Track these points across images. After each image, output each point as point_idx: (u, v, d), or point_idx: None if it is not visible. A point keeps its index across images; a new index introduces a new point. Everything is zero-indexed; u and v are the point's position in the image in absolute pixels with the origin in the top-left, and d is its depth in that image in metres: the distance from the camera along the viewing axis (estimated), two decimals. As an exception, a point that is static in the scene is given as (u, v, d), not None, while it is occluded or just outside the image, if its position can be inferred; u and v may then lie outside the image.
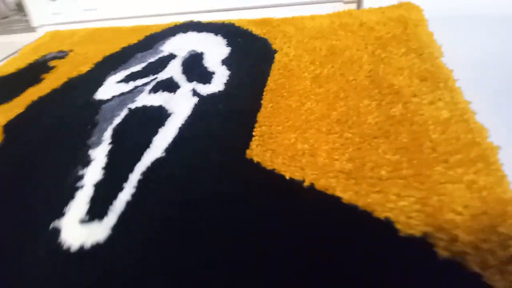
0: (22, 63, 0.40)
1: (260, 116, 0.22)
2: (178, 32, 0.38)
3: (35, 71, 0.37)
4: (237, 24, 0.37)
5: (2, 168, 0.23)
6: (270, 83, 0.26)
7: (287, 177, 0.17)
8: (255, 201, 0.17)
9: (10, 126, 0.27)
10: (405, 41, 0.27)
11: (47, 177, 0.21)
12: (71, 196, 0.18)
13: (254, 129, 0.21)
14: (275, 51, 0.30)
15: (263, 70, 0.28)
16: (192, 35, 0.37)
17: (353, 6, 0.36)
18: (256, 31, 0.35)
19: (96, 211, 0.17)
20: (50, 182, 0.20)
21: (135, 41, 0.39)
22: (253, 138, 0.20)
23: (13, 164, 0.23)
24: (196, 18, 0.41)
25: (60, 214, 0.17)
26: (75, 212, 0.17)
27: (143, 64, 0.32)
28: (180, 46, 0.35)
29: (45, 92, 0.31)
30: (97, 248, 0.15)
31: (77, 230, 0.16)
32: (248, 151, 0.19)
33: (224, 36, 0.35)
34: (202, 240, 0.15)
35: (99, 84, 0.30)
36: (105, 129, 0.24)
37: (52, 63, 0.37)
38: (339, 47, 0.28)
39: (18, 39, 0.62)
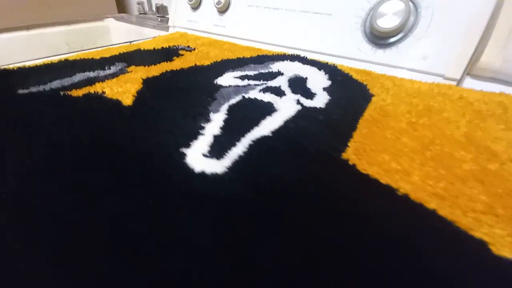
0: (157, 46, 0.50)
1: (355, 135, 0.25)
2: (286, 59, 0.44)
3: (168, 53, 0.45)
4: (339, 67, 0.42)
5: (146, 101, 0.29)
6: (366, 115, 0.29)
7: (383, 182, 0.19)
8: (345, 192, 0.18)
9: (148, 80, 0.34)
10: (505, 121, 0.28)
11: (175, 115, 0.26)
12: (194, 137, 0.23)
13: (349, 142, 0.24)
14: (372, 95, 0.34)
15: (361, 104, 0.31)
16: (297, 64, 0.43)
17: (452, 83, 0.39)
18: (356, 76, 0.39)
19: (215, 153, 0.21)
20: (177, 119, 0.25)
21: (248, 56, 0.46)
22: (348, 148, 0.23)
23: (149, 104, 0.28)
24: (302, 54, 0.48)
25: (187, 144, 0.21)
26: (198, 148, 0.21)
27: (255, 72, 0.38)
28: (286, 68, 0.41)
29: (176, 68, 0.39)
30: (215, 176, 0.18)
31: (200, 159, 0.20)
32: (343, 154, 0.22)
33: (326, 72, 0.40)
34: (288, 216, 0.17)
35: (219, 75, 0.37)
36: (223, 104, 0.29)
37: (181, 52, 0.46)
38: (436, 108, 0.31)
39: (148, 32, 0.77)
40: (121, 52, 0.45)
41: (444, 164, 0.21)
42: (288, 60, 0.44)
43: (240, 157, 0.21)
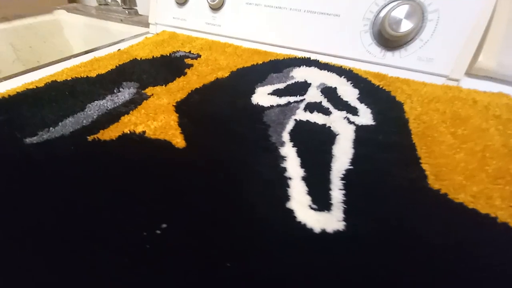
0: (154, 53, 0.44)
1: (422, 156, 0.26)
2: (301, 64, 0.43)
3: (175, 64, 0.40)
4: (355, 72, 0.43)
5: (197, 138, 0.25)
6: (412, 128, 0.30)
7: (481, 212, 0.20)
8: (444, 230, 0.20)
9: (181, 108, 0.30)
10: (520, 124, 0.32)
11: (245, 156, 0.23)
12: (286, 184, 0.21)
13: (421, 164, 0.25)
14: (401, 103, 0.36)
15: (401, 117, 0.32)
16: (316, 71, 0.42)
17: (454, 83, 0.42)
18: (374, 81, 0.41)
19: (319, 203, 0.20)
20: (251, 163, 0.23)
21: (260, 62, 0.44)
22: (426, 172, 0.24)
23: (204, 142, 0.25)
24: (311, 56, 0.47)
25: (285, 196, 0.20)
26: (300, 199, 0.20)
27: (284, 84, 0.37)
28: (309, 76, 0.40)
29: (195, 85, 0.35)
30: (338, 234, 0.18)
31: (311, 214, 0.19)
32: (429, 181, 0.23)
33: (348, 79, 0.40)
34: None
35: (251, 91, 0.34)
36: (280, 132, 0.27)
37: (188, 61, 0.42)
38: (463, 114, 0.34)
39: (115, 27, 0.67)
40: (117, 65, 0.38)
41: (508, 179, 0.24)
42: (304, 66, 0.43)
43: (345, 202, 0.20)
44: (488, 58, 0.41)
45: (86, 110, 0.28)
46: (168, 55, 0.43)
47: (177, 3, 0.53)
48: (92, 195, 0.19)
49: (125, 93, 0.32)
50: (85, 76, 0.35)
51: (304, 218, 0.19)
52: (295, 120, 0.29)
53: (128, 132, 0.25)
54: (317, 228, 0.18)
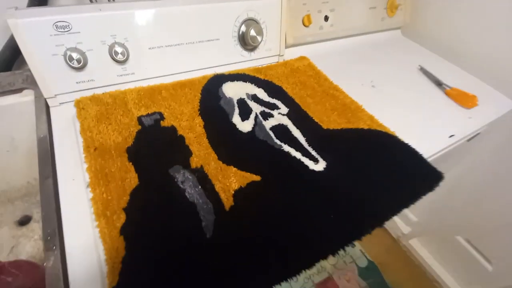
0: (123, 133, 0.49)
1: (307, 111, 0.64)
2: (220, 83, 0.64)
3: (156, 136, 0.51)
4: (247, 73, 0.69)
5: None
6: (294, 98, 0.67)
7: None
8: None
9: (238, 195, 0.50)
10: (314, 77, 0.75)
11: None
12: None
13: (313, 118, 0.63)
14: (280, 86, 0.69)
15: (287, 96, 0.67)
16: (230, 84, 0.65)
17: (282, 58, 0.79)
18: (259, 76, 0.70)
19: (315, 160, 0.54)
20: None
21: (190, 92, 0.60)
22: (315, 119, 0.63)
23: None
24: (212, 71, 0.67)
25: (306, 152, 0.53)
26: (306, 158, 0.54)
27: (236, 108, 0.60)
28: (234, 89, 0.63)
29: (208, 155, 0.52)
30: (324, 170, 0.54)
31: (311, 163, 0.54)
32: (321, 124, 0.62)
33: (251, 82, 0.67)
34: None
35: (234, 125, 0.56)
36: (272, 138, 0.56)
37: (164, 124, 0.53)
38: (302, 80, 0.72)
39: None
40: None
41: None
42: (223, 82, 0.64)
43: (319, 154, 0.56)
44: (289, 37, 0.80)
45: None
46: (140, 129, 0.51)
47: (75, 69, 0.51)
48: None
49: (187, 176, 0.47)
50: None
51: (311, 166, 0.53)
52: (270, 128, 0.58)
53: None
54: (311, 166, 0.54)
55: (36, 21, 0.45)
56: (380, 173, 0.53)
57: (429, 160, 0.63)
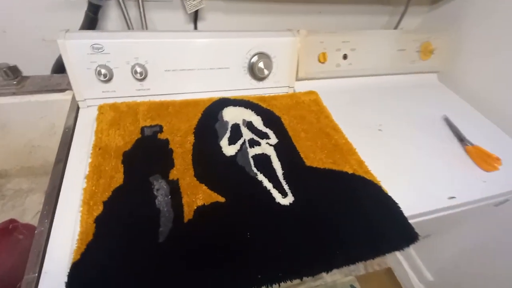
0: (126, 138, 0.59)
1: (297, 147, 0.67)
2: (222, 107, 0.72)
3: (150, 146, 0.60)
4: (251, 100, 0.75)
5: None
6: (289, 131, 0.70)
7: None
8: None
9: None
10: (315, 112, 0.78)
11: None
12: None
13: (300, 153, 0.66)
14: (279, 117, 0.73)
15: (282, 128, 0.71)
16: (232, 108, 0.72)
17: (291, 90, 0.84)
18: (263, 104, 0.75)
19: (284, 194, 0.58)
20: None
21: (194, 112, 0.69)
22: (301, 155, 0.66)
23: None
24: (219, 95, 0.75)
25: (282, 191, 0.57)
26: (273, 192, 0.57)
27: (228, 132, 0.66)
28: (234, 115, 0.70)
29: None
30: (290, 205, 0.57)
31: (278, 196, 0.57)
32: (305, 160, 0.65)
33: (252, 109, 0.73)
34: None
35: (220, 148, 0.63)
36: (251, 166, 0.61)
37: (161, 136, 0.62)
38: (302, 114, 0.76)
39: (9, 101, 0.68)
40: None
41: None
42: (226, 107, 0.71)
43: (290, 188, 0.60)
44: (301, 71, 0.84)
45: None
46: (140, 137, 0.61)
47: (101, 81, 0.63)
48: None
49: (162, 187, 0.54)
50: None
51: (278, 199, 0.56)
52: (252, 156, 0.62)
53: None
54: (283, 202, 0.57)
55: (78, 42, 0.58)
56: (348, 218, 0.54)
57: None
